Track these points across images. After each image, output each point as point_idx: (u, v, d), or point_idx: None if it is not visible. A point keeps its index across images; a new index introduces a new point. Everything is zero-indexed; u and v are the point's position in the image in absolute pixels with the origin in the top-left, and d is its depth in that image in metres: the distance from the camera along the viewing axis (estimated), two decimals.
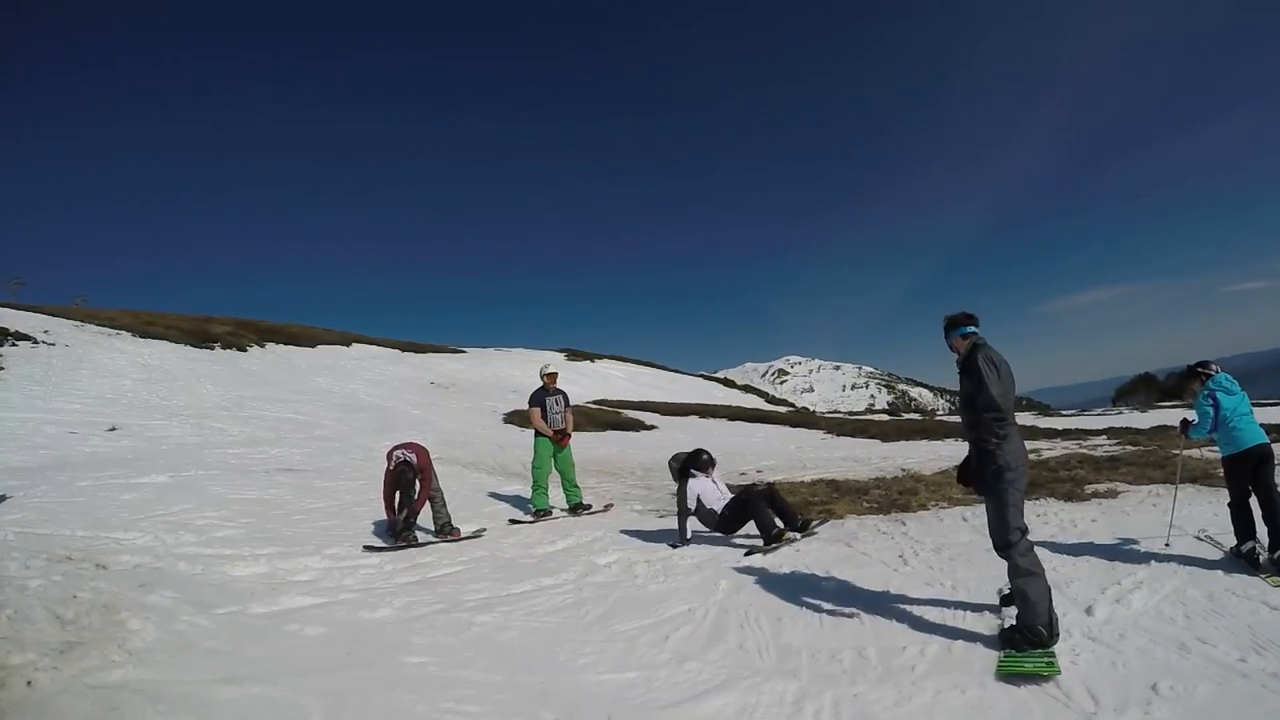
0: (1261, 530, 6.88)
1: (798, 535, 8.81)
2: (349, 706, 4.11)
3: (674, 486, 9.70)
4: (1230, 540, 7.21)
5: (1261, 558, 6.75)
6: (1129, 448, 16.98)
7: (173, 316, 29.67)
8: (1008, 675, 4.86)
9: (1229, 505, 7.24)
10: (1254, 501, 7.05)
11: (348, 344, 34.73)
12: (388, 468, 9.02)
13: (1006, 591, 5.85)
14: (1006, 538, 5.33)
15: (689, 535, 8.92)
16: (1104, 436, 20.75)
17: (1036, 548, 5.62)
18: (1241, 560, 6.84)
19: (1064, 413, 46.29)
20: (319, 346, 32.29)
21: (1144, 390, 61.86)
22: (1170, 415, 29.97)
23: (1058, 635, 5.23)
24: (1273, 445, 7.13)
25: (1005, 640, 5.26)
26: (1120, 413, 41.61)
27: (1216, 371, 7.35)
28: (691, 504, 9.04)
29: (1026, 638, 5.10)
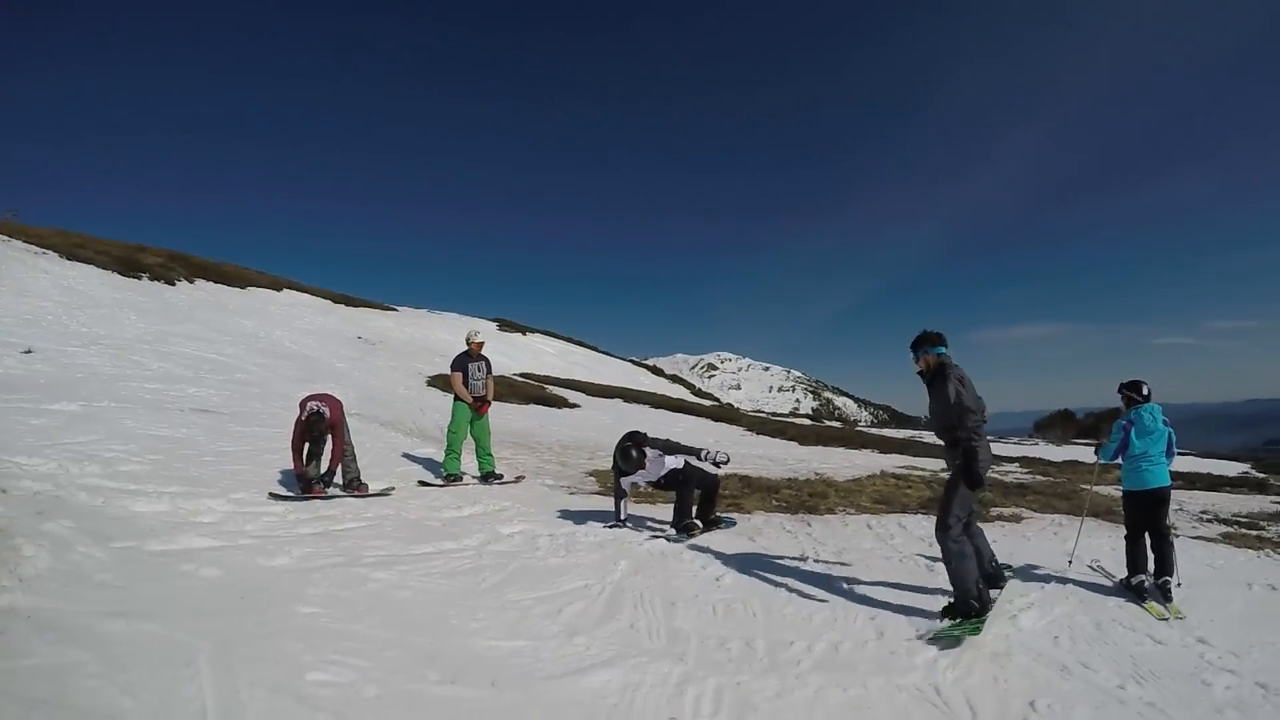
0: (1151, 560, 7.27)
1: (699, 525, 8.98)
2: (236, 650, 4.10)
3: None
4: (1123, 573, 7.49)
5: (1147, 584, 7.11)
6: (1039, 477, 17.49)
7: (104, 242, 28.73)
8: (939, 639, 5.73)
9: (1125, 538, 7.54)
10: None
11: (279, 289, 34.02)
12: (299, 417, 8.96)
13: (950, 602, 6.32)
14: (946, 521, 6.17)
15: (624, 516, 9.04)
16: (1017, 464, 21.31)
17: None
18: (1130, 591, 7.17)
19: (985, 438, 46.86)
20: (250, 289, 31.51)
21: (1062, 425, 63.07)
22: (1084, 452, 30.77)
23: (989, 606, 6.13)
24: (1172, 490, 7.43)
25: (944, 613, 6.09)
26: (1036, 444, 42.46)
27: (1144, 400, 7.56)
28: (626, 487, 9.16)
29: (960, 609, 6.01)
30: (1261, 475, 22.53)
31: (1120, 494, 7.82)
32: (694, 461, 9.19)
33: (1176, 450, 7.56)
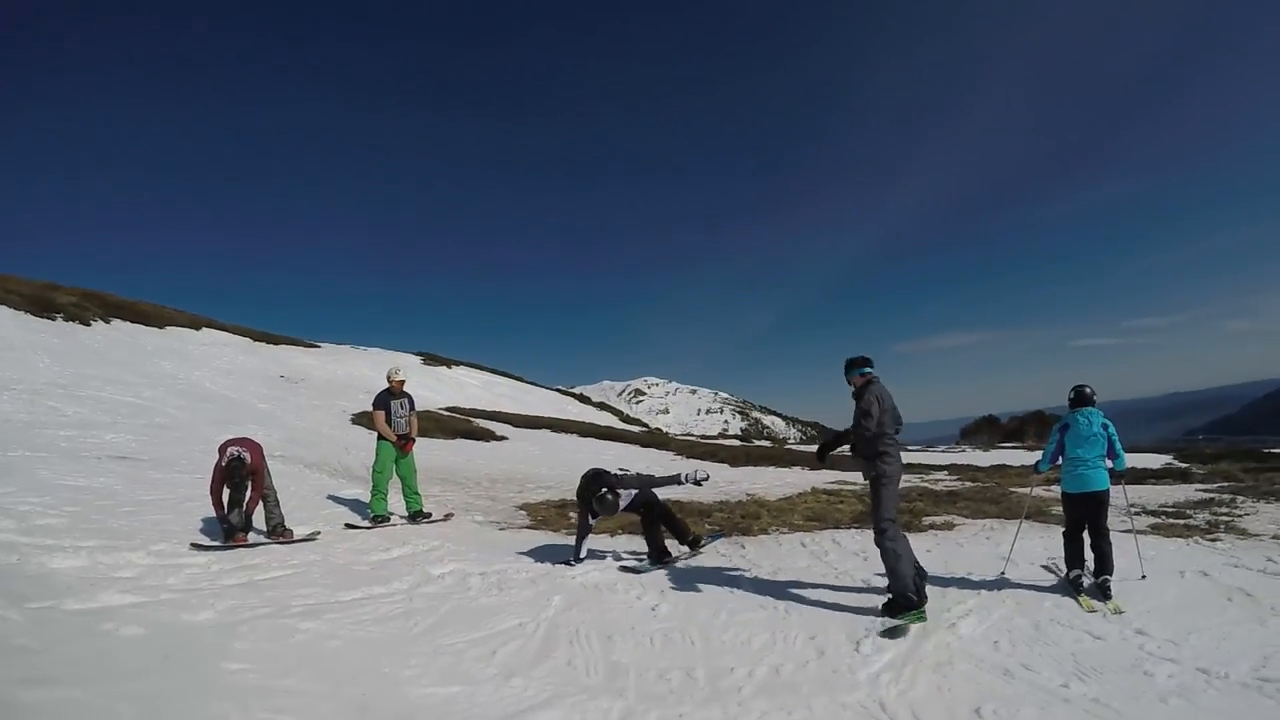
0: (1089, 558, 7.57)
1: (688, 551, 9.23)
2: (162, 714, 3.99)
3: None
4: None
5: (1085, 582, 7.41)
6: (968, 484, 17.78)
7: (14, 280, 27.92)
8: (890, 633, 6.31)
9: (1063, 534, 7.81)
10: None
11: (198, 328, 33.42)
12: (218, 462, 8.72)
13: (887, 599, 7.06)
14: (880, 526, 6.87)
15: (584, 554, 8.97)
16: (946, 472, 21.59)
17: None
18: (1069, 586, 7.46)
19: (911, 448, 47.59)
20: (168, 328, 30.90)
21: (988, 431, 64.36)
22: (1010, 455, 31.37)
23: (925, 599, 6.84)
24: (1110, 490, 7.61)
25: (885, 610, 6.82)
26: (964, 450, 43.17)
27: (1079, 404, 7.80)
28: (593, 523, 9.14)
29: (900, 604, 6.71)
30: (1184, 465, 23.25)
31: (1055, 497, 8.01)
32: (664, 490, 9.40)
33: (1122, 450, 7.74)
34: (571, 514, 12.26)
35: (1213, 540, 9.58)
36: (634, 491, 9.02)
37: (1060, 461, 7.86)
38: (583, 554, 8.96)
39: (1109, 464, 7.70)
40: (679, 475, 9.03)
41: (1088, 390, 7.84)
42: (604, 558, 9.12)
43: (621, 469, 9.34)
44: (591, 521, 9.08)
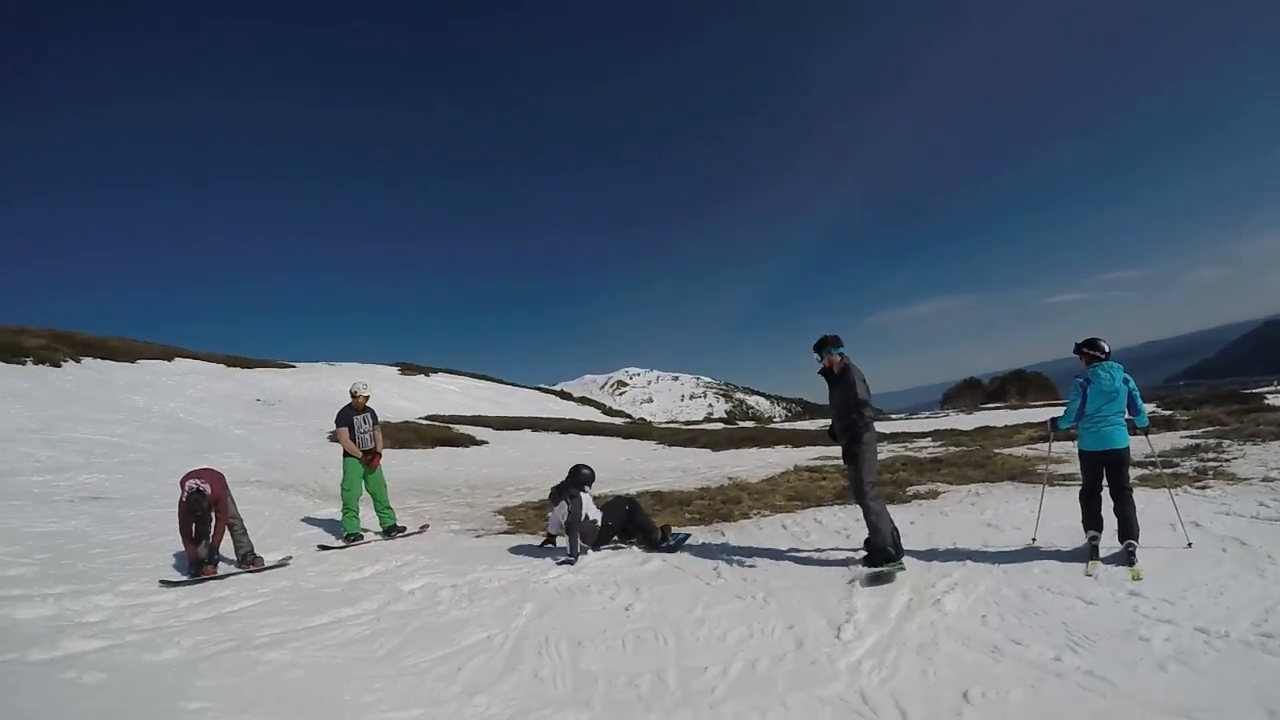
0: (1111, 521, 7.28)
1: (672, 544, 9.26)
2: None
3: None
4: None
5: (1098, 543, 7.28)
6: (952, 449, 17.93)
7: None
8: (876, 580, 7.04)
9: (1079, 495, 7.60)
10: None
11: (170, 359, 33.17)
12: (180, 498, 8.64)
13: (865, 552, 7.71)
14: (862, 488, 7.38)
15: (581, 550, 9.03)
16: (929, 439, 21.76)
17: (856, 552, 8.04)
18: (1087, 549, 7.29)
19: (893, 417, 47.85)
20: (140, 361, 30.70)
21: (969, 394, 64.74)
22: (993, 416, 31.51)
23: (902, 553, 7.46)
24: (1128, 449, 7.38)
25: (866, 562, 7.43)
26: (947, 415, 43.41)
27: (1104, 358, 7.51)
28: (592, 515, 9.38)
29: (879, 558, 7.29)
30: (1167, 412, 23.49)
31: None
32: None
33: (1143, 405, 7.52)
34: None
35: (1202, 488, 9.58)
36: (590, 502, 9.50)
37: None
38: (579, 549, 8.99)
39: (1130, 419, 7.48)
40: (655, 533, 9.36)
41: (1104, 343, 7.58)
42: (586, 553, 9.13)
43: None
44: (589, 514, 9.33)
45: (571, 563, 8.75)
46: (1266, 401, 24.40)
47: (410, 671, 5.67)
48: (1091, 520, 7.42)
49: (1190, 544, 7.27)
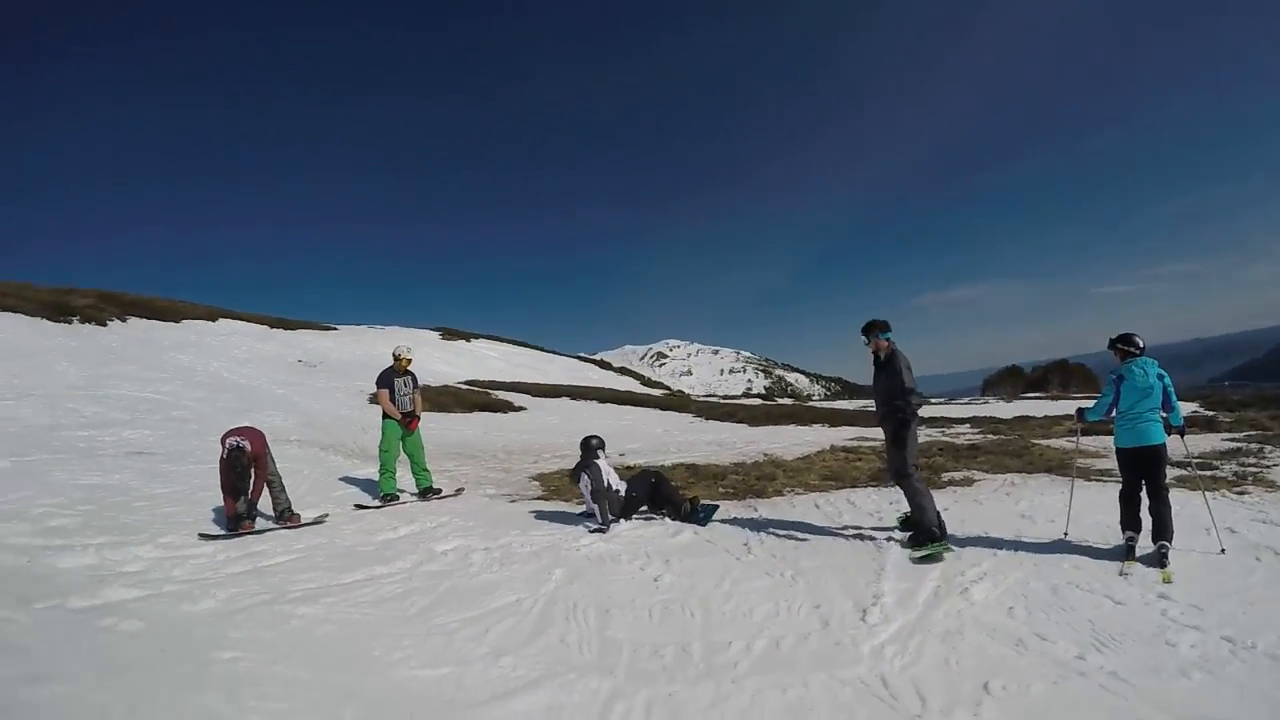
0: (1148, 521, 7.12)
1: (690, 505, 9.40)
2: (149, 708, 4.00)
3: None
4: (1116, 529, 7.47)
5: (1134, 543, 7.12)
6: (990, 436, 17.72)
7: (31, 288, 28.15)
8: (924, 559, 7.22)
9: (1119, 495, 7.44)
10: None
11: (214, 319, 33.60)
12: (221, 455, 8.79)
13: (904, 516, 8.24)
14: (905, 470, 7.66)
15: (611, 518, 9.12)
16: (968, 425, 21.51)
17: (888, 537, 8.10)
18: (1124, 549, 7.13)
19: (933, 400, 47.39)
20: (184, 321, 31.12)
21: (1010, 382, 64.01)
22: (1032, 406, 31.17)
23: (946, 534, 7.68)
24: (1164, 445, 7.18)
25: (911, 542, 7.64)
26: (986, 402, 43.00)
27: (1138, 353, 7.38)
28: (614, 483, 9.44)
29: (924, 536, 7.50)
30: (1210, 413, 22.79)
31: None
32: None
33: (1178, 401, 7.35)
34: None
35: (1240, 494, 9.37)
36: (609, 469, 9.56)
37: (1114, 415, 7.46)
38: (609, 518, 9.07)
39: (1164, 416, 7.29)
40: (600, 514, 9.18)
41: (1139, 339, 7.44)
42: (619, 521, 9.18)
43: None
44: (611, 483, 9.38)
45: (604, 530, 8.81)
46: None
47: (440, 630, 5.72)
48: (1129, 520, 7.25)
49: (1224, 550, 7.12)
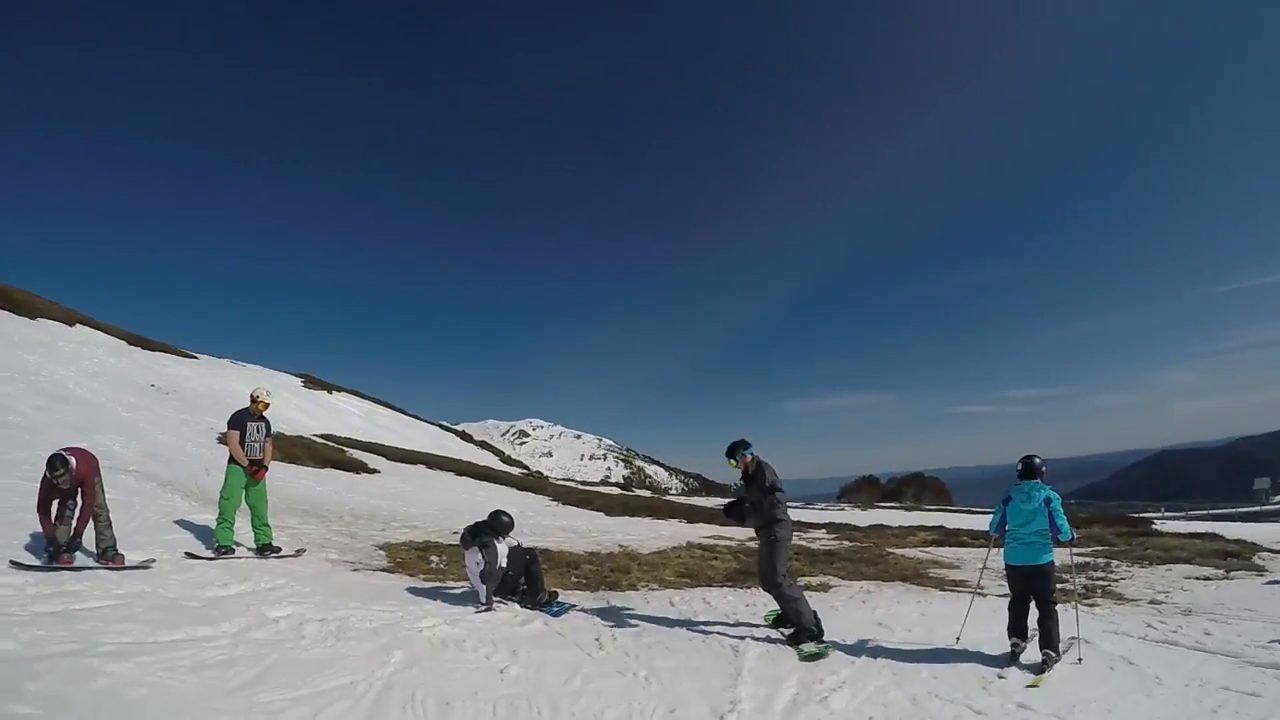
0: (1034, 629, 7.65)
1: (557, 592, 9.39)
2: None
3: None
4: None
5: (1018, 649, 7.57)
6: (846, 543, 18.12)
7: None
8: (811, 658, 7.45)
9: (1008, 604, 7.94)
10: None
11: (72, 324, 31.84)
12: (44, 474, 8.15)
13: (774, 613, 8.66)
14: (775, 579, 7.99)
15: (492, 599, 8.91)
16: (824, 531, 21.92)
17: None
18: (1009, 656, 7.55)
19: (790, 504, 48.24)
20: (40, 320, 29.49)
21: (867, 491, 66.39)
22: (888, 515, 31.94)
23: (823, 630, 7.96)
24: (1053, 562, 7.69)
25: (792, 641, 7.96)
26: (843, 509, 44.04)
27: (1030, 477, 7.96)
28: (505, 564, 9.19)
29: (806, 636, 7.84)
30: None
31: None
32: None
33: (1064, 523, 7.66)
34: (433, 557, 11.97)
35: (1091, 605, 9.82)
36: (505, 551, 9.28)
37: (1005, 531, 7.98)
38: (492, 600, 8.93)
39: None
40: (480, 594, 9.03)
41: (1036, 461, 7.98)
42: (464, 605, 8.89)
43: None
44: (502, 563, 9.17)
45: (489, 610, 8.67)
46: (1155, 526, 25.51)
47: (263, 710, 5.19)
48: (1015, 628, 7.74)
49: (1081, 660, 7.55)
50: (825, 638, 7.96)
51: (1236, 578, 13.75)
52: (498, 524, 9.39)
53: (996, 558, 8.63)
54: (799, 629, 7.97)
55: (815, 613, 8.10)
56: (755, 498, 8.32)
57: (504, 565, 9.20)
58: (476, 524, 9.43)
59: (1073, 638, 8.08)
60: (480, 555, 8.99)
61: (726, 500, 9.10)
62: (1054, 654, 7.42)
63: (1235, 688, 6.72)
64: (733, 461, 8.58)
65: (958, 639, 8.21)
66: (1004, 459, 7.62)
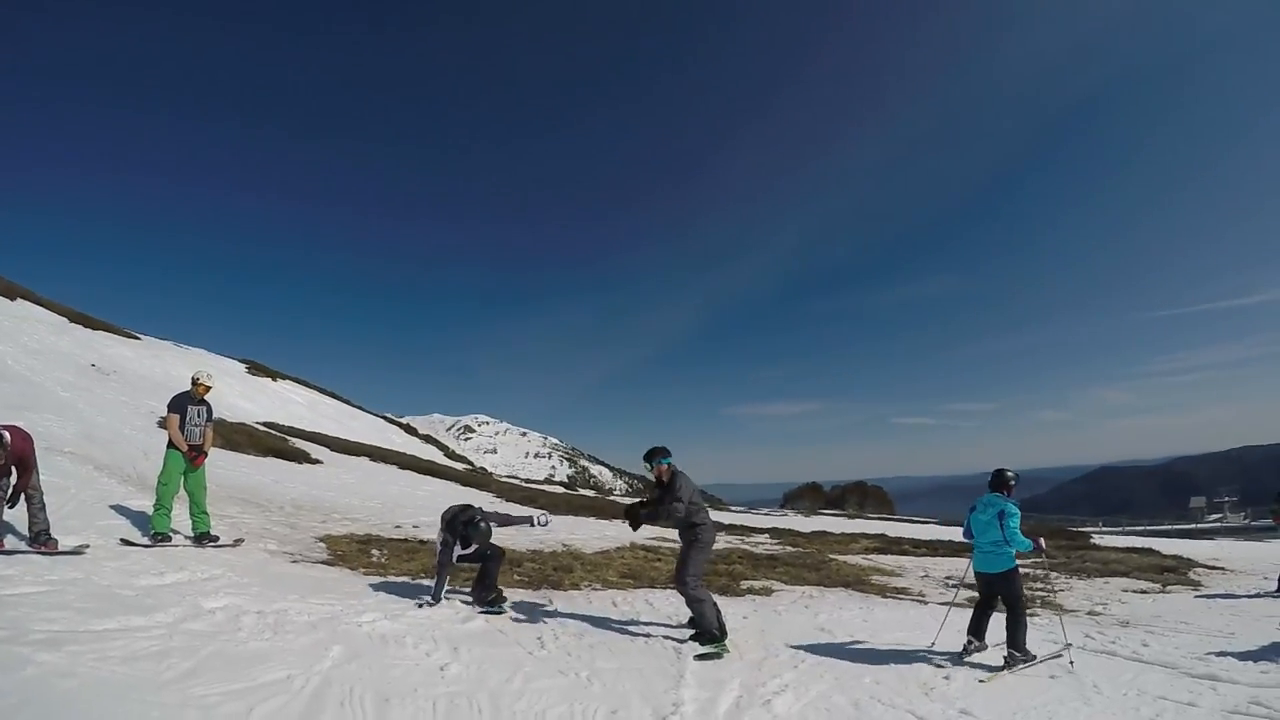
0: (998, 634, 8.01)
1: (505, 595, 9.22)
2: None
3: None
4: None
5: (971, 647, 8.07)
6: (789, 548, 18.17)
7: None
8: (705, 657, 7.62)
9: (975, 605, 8.42)
10: None
11: (13, 298, 31.19)
12: None
13: (690, 619, 8.50)
14: (685, 581, 8.09)
15: (444, 594, 8.85)
16: (767, 535, 22.00)
17: (685, 644, 8.10)
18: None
19: (733, 508, 48.69)
20: None
21: (810, 497, 66.90)
22: (831, 522, 32.22)
23: (726, 633, 8.10)
24: (1014, 568, 8.05)
25: (694, 640, 8.11)
26: (786, 515, 44.27)
27: (997, 489, 8.38)
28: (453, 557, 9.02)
29: (707, 638, 7.98)
30: None
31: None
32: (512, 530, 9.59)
33: (1014, 533, 8.01)
34: (374, 551, 11.85)
35: (1032, 615, 9.96)
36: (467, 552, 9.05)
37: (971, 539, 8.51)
38: (443, 594, 8.85)
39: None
40: (531, 517, 9.58)
41: (1006, 475, 8.39)
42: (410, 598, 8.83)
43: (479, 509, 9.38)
44: (459, 551, 8.95)
45: (434, 604, 8.61)
46: (1093, 540, 26.27)
47: (196, 703, 5.05)
48: (974, 628, 8.23)
49: (1072, 664, 7.93)
50: (726, 639, 8.08)
51: (1173, 591, 14.26)
52: (473, 530, 8.96)
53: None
54: (701, 628, 8.12)
55: (720, 615, 8.22)
56: (666, 503, 8.31)
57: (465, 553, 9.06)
58: (461, 514, 9.12)
59: (1067, 644, 8.43)
60: (452, 545, 8.91)
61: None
62: (1018, 654, 7.75)
63: (1172, 697, 6.95)
64: (648, 466, 8.65)
65: (933, 644, 8.45)
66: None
